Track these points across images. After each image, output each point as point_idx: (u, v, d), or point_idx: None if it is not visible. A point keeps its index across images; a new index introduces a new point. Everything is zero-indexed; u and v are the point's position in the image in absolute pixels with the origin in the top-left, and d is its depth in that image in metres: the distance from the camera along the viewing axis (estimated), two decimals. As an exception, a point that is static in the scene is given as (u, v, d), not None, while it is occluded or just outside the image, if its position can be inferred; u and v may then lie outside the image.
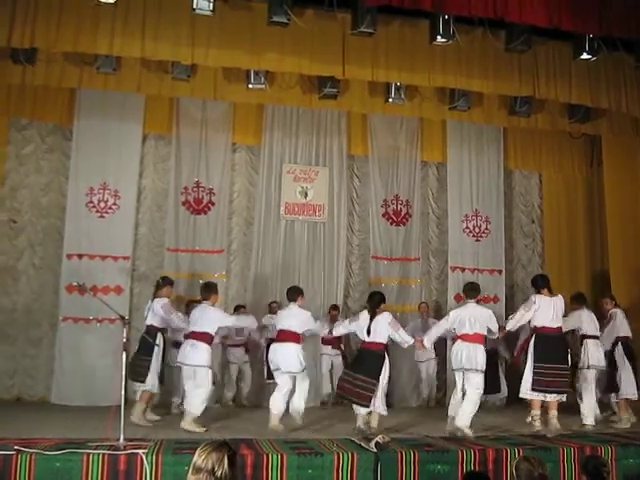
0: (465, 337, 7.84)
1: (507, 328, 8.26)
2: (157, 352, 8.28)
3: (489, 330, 7.95)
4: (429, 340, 8.19)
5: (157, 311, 8.27)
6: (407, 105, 10.88)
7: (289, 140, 11.65)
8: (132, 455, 5.83)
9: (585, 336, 8.78)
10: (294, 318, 8.14)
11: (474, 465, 6.34)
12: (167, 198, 11.25)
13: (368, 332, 7.85)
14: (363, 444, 6.55)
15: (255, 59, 9.12)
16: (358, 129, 12.04)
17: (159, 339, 8.38)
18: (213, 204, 11.32)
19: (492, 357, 9.52)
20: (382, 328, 7.85)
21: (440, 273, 12.23)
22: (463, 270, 11.96)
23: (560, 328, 8.08)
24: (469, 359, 7.74)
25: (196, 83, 10.12)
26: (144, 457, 5.80)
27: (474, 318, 7.86)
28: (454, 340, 8.08)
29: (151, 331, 8.35)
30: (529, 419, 7.99)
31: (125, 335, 6.68)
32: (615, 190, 11.74)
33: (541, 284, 8.18)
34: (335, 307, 11.03)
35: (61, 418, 8.66)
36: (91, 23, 8.48)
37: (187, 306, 9.59)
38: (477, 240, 12.14)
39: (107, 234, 10.73)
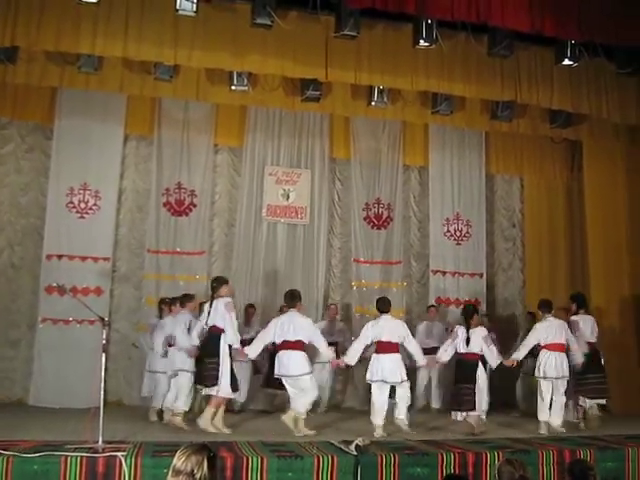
0: (550, 346, 8.53)
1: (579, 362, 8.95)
2: (224, 355, 7.93)
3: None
4: (520, 356, 8.75)
5: (220, 310, 7.95)
6: (390, 108, 10.87)
7: (271, 142, 11.61)
8: (111, 458, 5.77)
9: None
10: (390, 329, 8.29)
11: (454, 468, 6.35)
12: (148, 199, 11.18)
13: (467, 342, 8.37)
14: (343, 447, 6.54)
15: (238, 61, 9.10)
16: (340, 132, 12.01)
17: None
18: (194, 205, 11.25)
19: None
20: (477, 340, 8.32)
21: (421, 276, 12.24)
22: (444, 273, 12.00)
23: (592, 343, 9.16)
24: (557, 368, 8.42)
25: (178, 84, 10.06)
26: (123, 460, 5.74)
27: (557, 329, 8.58)
28: (539, 350, 8.65)
29: (214, 332, 7.97)
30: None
31: (104, 337, 6.60)
32: (596, 195, 11.79)
33: (582, 303, 9.22)
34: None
35: (39, 420, 8.55)
36: (73, 22, 8.43)
37: (159, 305, 9.44)
38: (458, 244, 12.18)
39: (87, 235, 10.64)
